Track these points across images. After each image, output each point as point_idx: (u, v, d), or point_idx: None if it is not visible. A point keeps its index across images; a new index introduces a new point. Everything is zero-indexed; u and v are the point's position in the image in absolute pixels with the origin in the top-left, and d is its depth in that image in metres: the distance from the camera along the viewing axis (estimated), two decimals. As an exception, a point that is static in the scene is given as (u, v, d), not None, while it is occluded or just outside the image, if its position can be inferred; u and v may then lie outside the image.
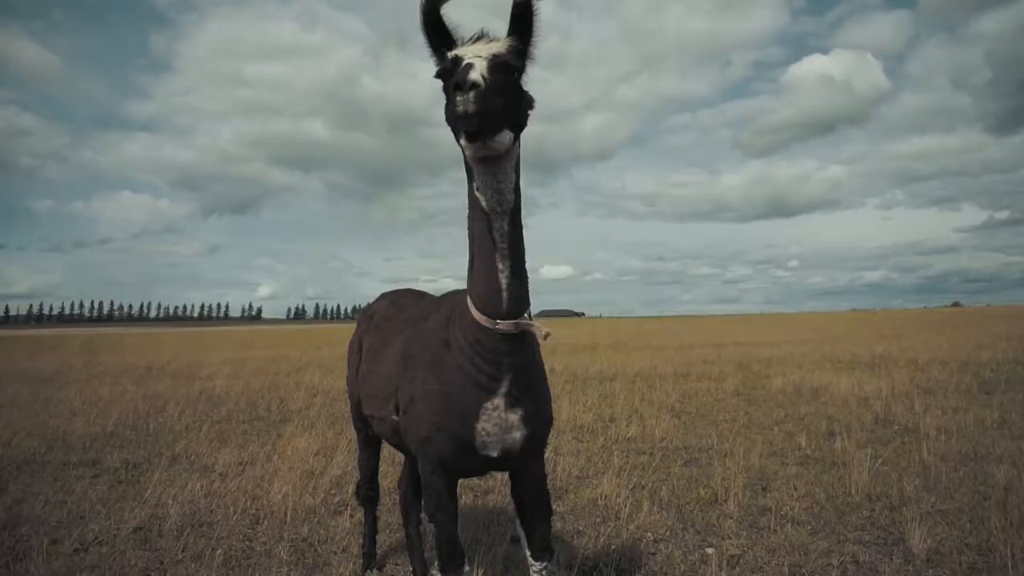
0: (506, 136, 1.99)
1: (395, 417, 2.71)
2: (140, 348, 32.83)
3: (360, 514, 4.58)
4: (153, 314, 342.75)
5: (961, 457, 5.82)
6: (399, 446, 2.92)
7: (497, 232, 2.17)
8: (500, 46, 2.01)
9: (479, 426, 2.32)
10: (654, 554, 3.90)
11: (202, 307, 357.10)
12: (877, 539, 4.03)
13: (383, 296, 3.48)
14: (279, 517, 4.62)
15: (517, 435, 2.37)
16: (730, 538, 4.12)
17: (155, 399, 10.78)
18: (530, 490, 2.66)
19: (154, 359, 22.59)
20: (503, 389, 2.31)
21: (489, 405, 2.31)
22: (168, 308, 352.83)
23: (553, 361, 16.22)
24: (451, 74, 1.93)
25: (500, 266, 2.19)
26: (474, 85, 1.81)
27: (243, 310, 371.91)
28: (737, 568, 3.67)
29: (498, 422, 2.33)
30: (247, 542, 4.17)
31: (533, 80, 2.12)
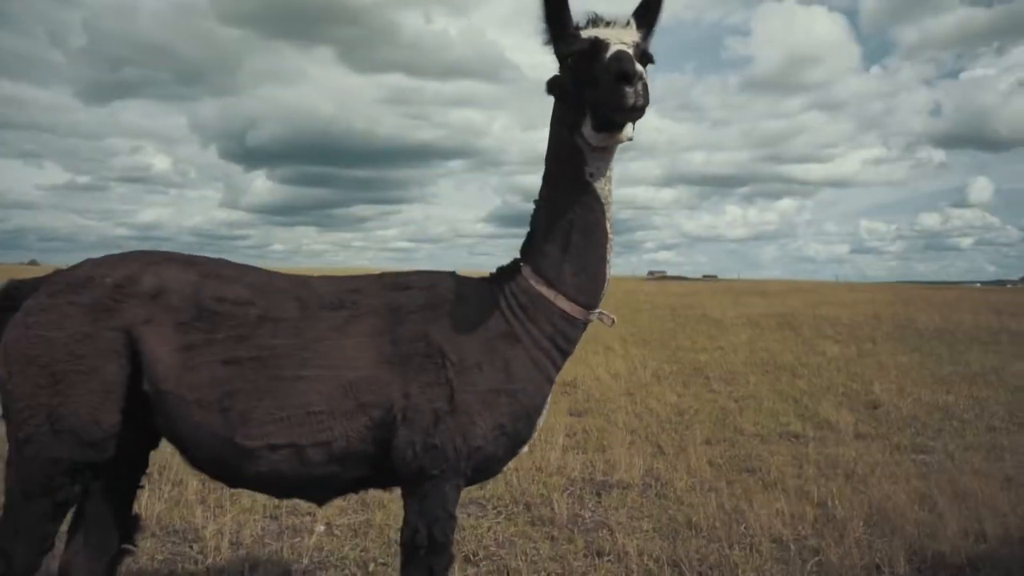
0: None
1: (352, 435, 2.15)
2: None
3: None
4: None
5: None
6: (324, 481, 2.19)
7: (609, 222, 2.02)
8: (637, 34, 1.95)
9: (539, 421, 2.18)
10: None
11: None
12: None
13: (166, 264, 2.23)
14: None
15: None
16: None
17: None
18: None
19: None
20: (555, 377, 2.22)
21: (550, 397, 2.23)
22: None
23: None
24: (592, 56, 1.86)
25: (608, 257, 2.05)
26: (641, 77, 1.74)
27: None
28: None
29: (544, 413, 2.21)
30: None
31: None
